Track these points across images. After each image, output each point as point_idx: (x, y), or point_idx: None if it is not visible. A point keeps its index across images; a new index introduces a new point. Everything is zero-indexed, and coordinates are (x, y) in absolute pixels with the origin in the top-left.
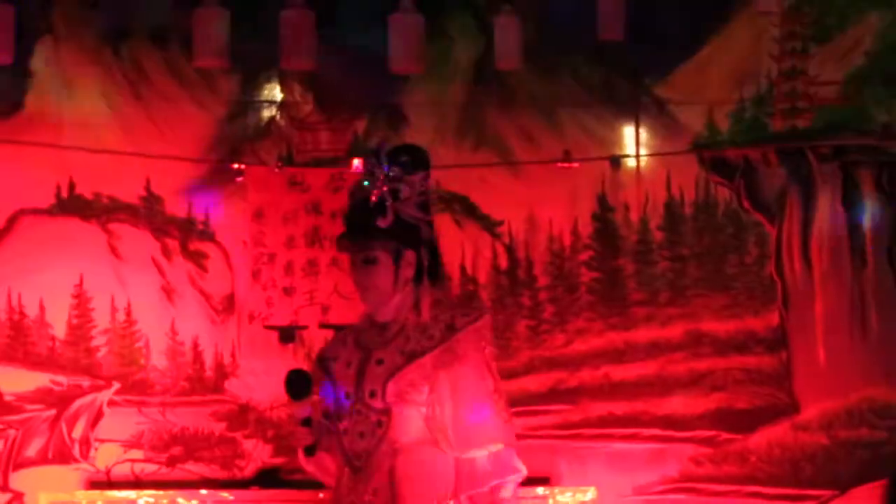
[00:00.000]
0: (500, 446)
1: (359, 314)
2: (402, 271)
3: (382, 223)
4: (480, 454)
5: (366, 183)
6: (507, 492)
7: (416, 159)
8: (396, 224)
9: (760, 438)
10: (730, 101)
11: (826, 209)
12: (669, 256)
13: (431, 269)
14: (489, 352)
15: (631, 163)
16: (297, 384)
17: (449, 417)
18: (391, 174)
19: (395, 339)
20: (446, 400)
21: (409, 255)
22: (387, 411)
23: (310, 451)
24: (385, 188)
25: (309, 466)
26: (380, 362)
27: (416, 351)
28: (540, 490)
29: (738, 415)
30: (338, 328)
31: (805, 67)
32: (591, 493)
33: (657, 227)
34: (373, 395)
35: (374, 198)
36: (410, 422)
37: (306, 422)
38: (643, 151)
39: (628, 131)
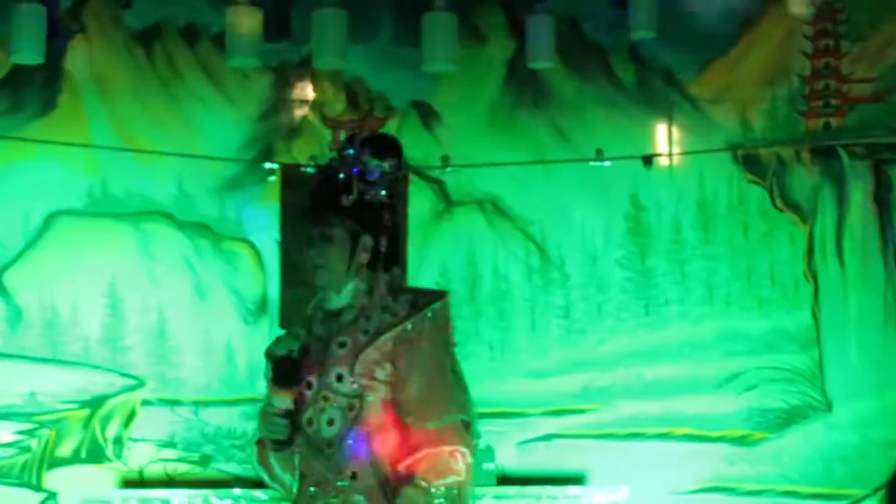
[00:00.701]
0: (458, 417)
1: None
2: (358, 255)
3: (346, 201)
4: (440, 424)
5: (334, 159)
6: (458, 463)
7: (387, 147)
8: (359, 206)
9: (793, 437)
10: (762, 99)
11: (859, 207)
12: (702, 255)
13: (389, 257)
14: (449, 331)
15: (664, 161)
16: (288, 373)
17: (412, 392)
18: (362, 156)
19: (355, 321)
20: (410, 375)
21: (367, 240)
22: (357, 394)
23: (282, 444)
24: (353, 168)
25: (267, 463)
26: (342, 345)
27: (381, 328)
28: (573, 489)
29: (771, 414)
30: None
31: (838, 65)
32: (624, 493)
33: (690, 226)
34: (340, 378)
35: (340, 175)
36: (379, 401)
37: (286, 413)
38: (676, 150)
39: (661, 130)
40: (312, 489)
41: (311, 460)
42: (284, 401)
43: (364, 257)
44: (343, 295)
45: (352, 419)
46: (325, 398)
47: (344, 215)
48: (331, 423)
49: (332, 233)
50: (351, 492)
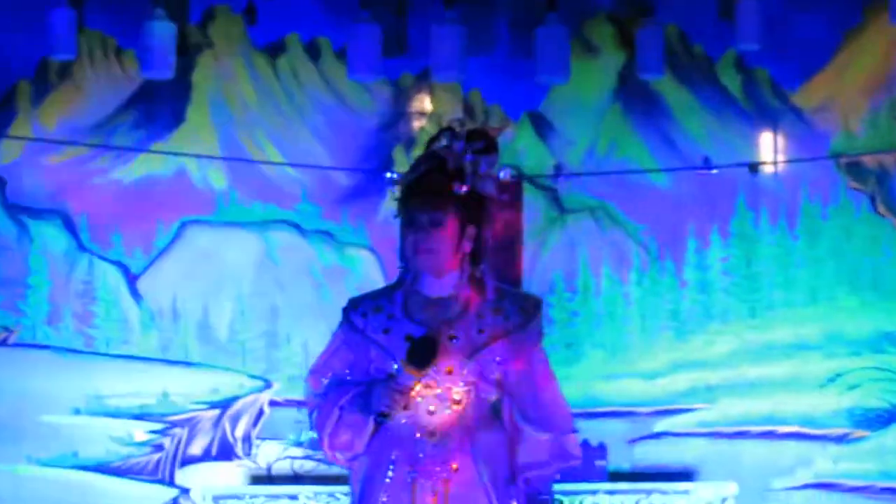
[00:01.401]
0: (571, 433)
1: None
2: (464, 244)
3: (459, 189)
4: (554, 437)
5: (440, 148)
6: (558, 474)
7: (491, 143)
8: (470, 196)
9: (894, 435)
10: (864, 108)
11: None
12: (806, 260)
13: (484, 252)
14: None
15: (769, 169)
16: (427, 353)
17: (530, 399)
18: (474, 147)
19: (464, 316)
20: (528, 382)
21: (472, 230)
22: (467, 389)
23: (385, 417)
24: (467, 158)
25: (357, 434)
26: (453, 339)
27: (498, 331)
28: (682, 485)
29: (873, 413)
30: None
31: None
32: (731, 489)
33: (794, 231)
34: (450, 371)
35: (451, 164)
36: (484, 401)
37: (406, 391)
38: (780, 158)
39: (766, 138)
40: (412, 475)
41: (407, 446)
42: (411, 378)
43: (468, 247)
44: (444, 282)
45: (455, 413)
46: (429, 386)
47: (457, 203)
48: (431, 412)
49: (443, 219)
50: (453, 485)
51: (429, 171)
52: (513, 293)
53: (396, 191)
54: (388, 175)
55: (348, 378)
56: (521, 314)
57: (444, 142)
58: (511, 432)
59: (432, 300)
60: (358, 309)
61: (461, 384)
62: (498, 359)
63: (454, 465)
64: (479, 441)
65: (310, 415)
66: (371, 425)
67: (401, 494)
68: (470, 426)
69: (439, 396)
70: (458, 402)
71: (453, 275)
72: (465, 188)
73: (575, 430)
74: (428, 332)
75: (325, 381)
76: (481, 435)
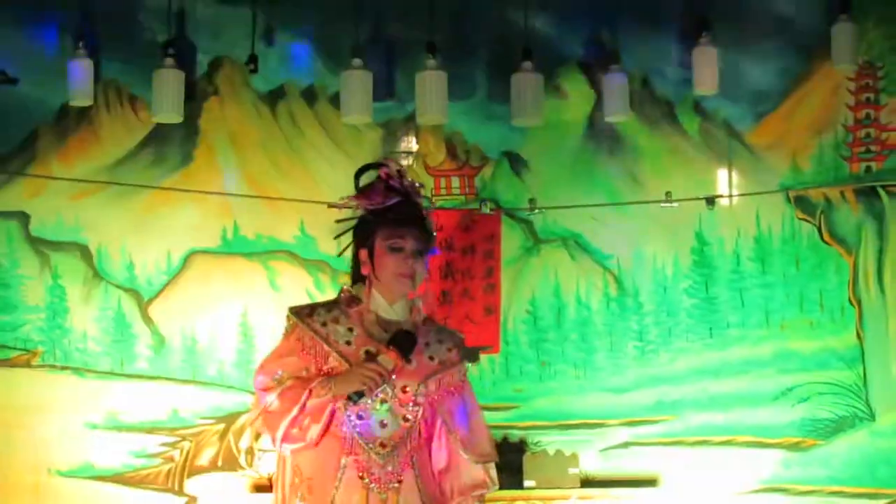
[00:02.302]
0: (493, 461)
1: (479, 338)
2: (422, 276)
3: (427, 226)
4: (483, 464)
5: (407, 183)
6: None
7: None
8: (430, 234)
9: (841, 444)
10: (811, 146)
11: None
12: (759, 284)
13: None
14: None
15: (724, 202)
16: (408, 344)
17: (466, 427)
18: (417, 185)
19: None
20: (464, 410)
21: (428, 261)
22: (417, 409)
23: (360, 396)
24: (419, 197)
25: (315, 421)
26: (409, 361)
27: (445, 361)
28: (649, 491)
29: (822, 423)
30: (470, 350)
31: (878, 116)
32: (693, 494)
33: (748, 258)
34: (404, 389)
35: (414, 197)
36: (429, 422)
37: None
38: (735, 192)
39: (722, 174)
40: (365, 480)
41: (359, 454)
42: (389, 363)
43: (423, 278)
44: (397, 308)
45: (405, 430)
46: (384, 401)
47: (427, 238)
48: (383, 424)
49: (422, 250)
50: (397, 495)
51: (401, 204)
52: (444, 328)
53: (356, 211)
54: (341, 198)
55: (304, 375)
56: (458, 348)
57: (393, 176)
58: (445, 456)
59: (385, 321)
60: (314, 316)
61: (411, 404)
62: (439, 385)
63: (401, 478)
64: (418, 461)
65: (265, 400)
66: (327, 416)
67: (352, 496)
68: (414, 446)
69: (392, 411)
70: (407, 420)
71: (403, 302)
72: (428, 225)
73: (496, 459)
74: (407, 330)
75: (280, 375)
76: (420, 456)
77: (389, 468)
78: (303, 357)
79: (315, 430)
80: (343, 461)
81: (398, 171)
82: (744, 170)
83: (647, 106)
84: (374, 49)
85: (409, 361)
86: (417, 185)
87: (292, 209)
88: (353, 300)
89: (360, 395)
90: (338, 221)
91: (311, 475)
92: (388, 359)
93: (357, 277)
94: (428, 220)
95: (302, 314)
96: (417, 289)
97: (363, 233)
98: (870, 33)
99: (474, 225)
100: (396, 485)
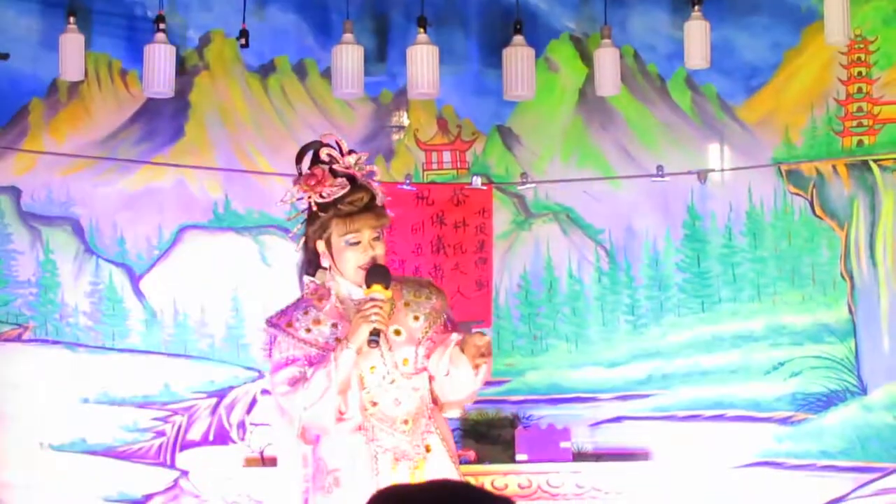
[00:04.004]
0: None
1: (471, 313)
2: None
3: (380, 202)
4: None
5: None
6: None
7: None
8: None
9: (833, 418)
10: (803, 120)
11: (889, 214)
12: (751, 258)
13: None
14: None
15: (716, 176)
16: (384, 274)
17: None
18: (362, 158)
19: (393, 309)
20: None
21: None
22: (422, 375)
23: (377, 335)
24: (369, 173)
25: (348, 364)
26: (398, 333)
27: (429, 311)
28: (640, 464)
29: (813, 397)
30: (462, 325)
31: (870, 90)
32: (686, 467)
33: (740, 232)
34: (406, 362)
35: (360, 179)
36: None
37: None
38: (727, 166)
39: (714, 148)
40: (393, 461)
41: (384, 437)
42: (381, 293)
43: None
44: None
45: (419, 399)
46: (391, 381)
47: (381, 215)
48: (397, 402)
49: (379, 233)
50: (428, 464)
51: (359, 189)
52: (409, 279)
53: (307, 204)
54: (285, 197)
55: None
56: (436, 292)
57: (334, 159)
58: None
59: (359, 301)
60: (294, 325)
61: (415, 373)
62: (434, 342)
63: (427, 446)
64: (438, 422)
65: (298, 396)
66: (353, 383)
67: (383, 477)
68: (431, 407)
69: (401, 387)
70: (417, 389)
71: None
72: (381, 201)
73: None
74: (375, 263)
75: (302, 370)
76: (437, 416)
77: (416, 440)
78: (303, 361)
79: (356, 398)
80: (373, 448)
81: (339, 147)
82: (736, 144)
83: (639, 80)
84: (365, 23)
85: (388, 287)
86: (362, 157)
87: (283, 184)
88: (323, 292)
89: (378, 332)
90: (289, 219)
91: (339, 466)
92: (379, 290)
93: (316, 266)
94: (379, 196)
95: (280, 326)
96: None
97: (318, 226)
98: (862, 7)
99: (466, 199)
100: (425, 454)
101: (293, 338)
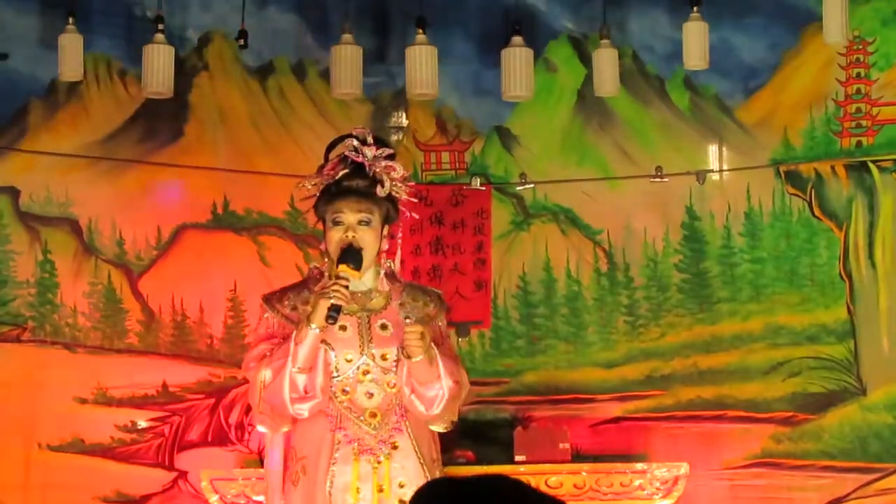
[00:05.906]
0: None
1: (470, 313)
2: (383, 241)
3: (380, 192)
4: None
5: (351, 152)
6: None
7: (393, 150)
8: (388, 199)
9: (832, 418)
10: (802, 121)
11: (888, 215)
12: (750, 259)
13: (396, 248)
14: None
15: (715, 177)
16: (357, 257)
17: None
18: (384, 153)
19: (388, 306)
20: (442, 349)
21: (389, 229)
22: (398, 373)
23: (338, 311)
24: (381, 163)
25: (308, 341)
26: (384, 328)
27: (423, 318)
28: (639, 465)
29: (812, 397)
30: (461, 325)
31: (868, 91)
32: (683, 468)
33: (738, 233)
34: (384, 357)
35: (368, 169)
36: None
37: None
38: (726, 167)
39: (712, 149)
40: (356, 452)
41: (350, 426)
42: (346, 272)
43: (385, 244)
44: (365, 277)
45: (391, 396)
46: (366, 372)
47: (380, 204)
48: (369, 395)
49: (371, 218)
50: (393, 461)
51: (351, 171)
52: (415, 284)
53: (308, 188)
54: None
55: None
56: (436, 301)
57: (352, 148)
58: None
59: (356, 294)
60: (284, 302)
61: (394, 370)
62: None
63: (395, 443)
64: (411, 424)
65: (259, 377)
66: (321, 361)
67: (345, 469)
68: (404, 409)
69: (377, 381)
70: (393, 386)
71: (372, 270)
72: (383, 191)
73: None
74: (350, 245)
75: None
76: (412, 418)
77: (382, 436)
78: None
79: (319, 379)
80: (337, 437)
81: (363, 140)
82: (734, 144)
83: (638, 81)
84: (364, 24)
85: (359, 269)
86: (382, 153)
87: (282, 184)
88: (322, 277)
89: (337, 309)
90: (302, 200)
91: (306, 454)
92: (346, 270)
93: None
94: (384, 185)
95: (272, 301)
96: (387, 254)
97: (317, 210)
98: (861, 8)
99: (464, 200)
100: (391, 451)
101: (279, 314)
